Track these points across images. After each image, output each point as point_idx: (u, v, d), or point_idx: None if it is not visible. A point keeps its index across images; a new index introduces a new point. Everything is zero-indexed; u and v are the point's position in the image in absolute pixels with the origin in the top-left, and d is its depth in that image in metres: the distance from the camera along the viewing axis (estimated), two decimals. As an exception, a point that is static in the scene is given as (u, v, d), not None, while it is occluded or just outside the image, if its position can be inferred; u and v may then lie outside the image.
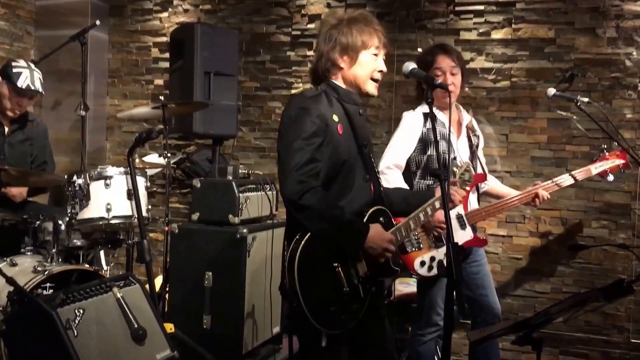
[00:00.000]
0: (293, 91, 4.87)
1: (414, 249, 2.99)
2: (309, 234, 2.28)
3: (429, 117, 2.59)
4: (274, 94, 4.94)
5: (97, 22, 4.17)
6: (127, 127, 5.36)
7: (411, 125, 3.20)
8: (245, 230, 3.52)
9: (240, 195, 3.62)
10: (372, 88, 2.44)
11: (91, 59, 4.73)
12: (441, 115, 3.21)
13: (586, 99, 3.39)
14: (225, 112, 4.51)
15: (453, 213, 3.06)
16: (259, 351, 3.74)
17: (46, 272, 3.04)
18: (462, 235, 3.12)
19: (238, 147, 5.02)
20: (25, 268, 3.12)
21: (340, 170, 2.34)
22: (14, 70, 3.72)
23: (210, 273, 3.54)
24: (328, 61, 2.41)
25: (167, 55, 5.03)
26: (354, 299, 2.32)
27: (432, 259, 3.04)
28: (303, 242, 2.27)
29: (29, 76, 3.74)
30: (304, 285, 2.23)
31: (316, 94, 2.40)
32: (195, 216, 3.69)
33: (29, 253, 3.32)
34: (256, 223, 3.74)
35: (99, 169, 3.52)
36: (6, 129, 3.87)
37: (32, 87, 3.74)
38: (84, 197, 3.42)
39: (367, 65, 2.40)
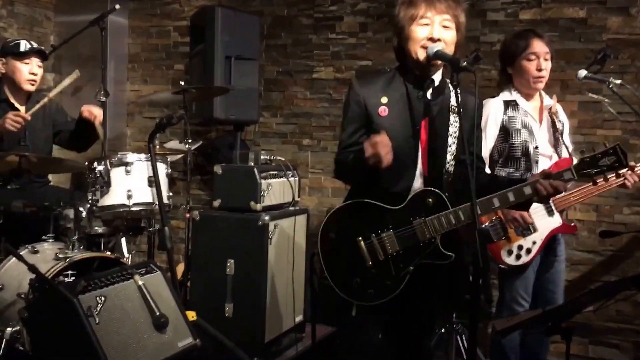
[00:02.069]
0: (315, 75, 4.80)
1: (500, 239, 2.90)
2: (336, 208, 2.46)
3: (476, 104, 2.49)
4: (296, 79, 4.87)
5: (117, 7, 4.12)
6: (147, 113, 5.33)
7: (492, 114, 3.13)
8: (267, 217, 3.47)
9: (262, 181, 3.56)
10: (421, 55, 2.34)
11: (111, 44, 4.70)
12: (523, 103, 3.15)
13: (619, 81, 3.27)
14: (246, 97, 4.46)
15: None
16: (282, 340, 3.69)
17: (67, 260, 3.03)
18: (550, 222, 3.08)
19: (259, 133, 4.98)
20: (46, 255, 3.11)
21: None
22: (11, 44, 3.77)
23: (232, 260, 3.50)
24: (396, 50, 2.45)
25: (187, 39, 4.99)
26: (382, 275, 2.35)
27: (520, 247, 3.04)
28: (328, 216, 2.47)
29: (25, 42, 3.78)
30: (326, 257, 2.45)
31: (378, 74, 2.45)
32: (216, 203, 3.64)
33: (50, 240, 3.29)
34: (278, 210, 3.68)
35: (119, 156, 3.49)
36: (22, 110, 3.83)
37: (34, 47, 3.77)
38: (105, 183, 3.38)
39: (415, 38, 2.34)
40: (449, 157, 2.40)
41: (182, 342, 2.79)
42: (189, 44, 4.88)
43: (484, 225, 2.85)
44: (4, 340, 2.79)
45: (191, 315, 2.96)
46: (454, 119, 2.40)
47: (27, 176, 3.18)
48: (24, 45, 3.74)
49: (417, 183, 2.38)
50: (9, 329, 2.84)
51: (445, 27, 2.33)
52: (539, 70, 3.10)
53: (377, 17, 4.60)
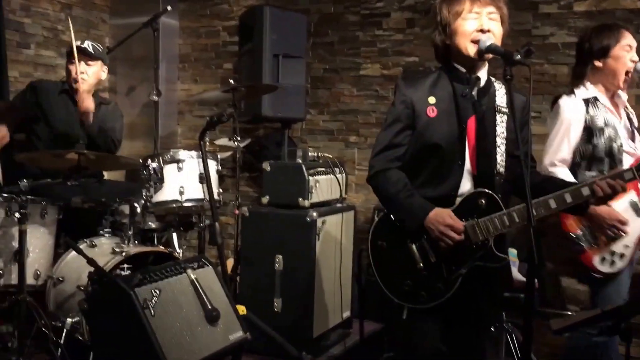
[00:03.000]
0: (361, 72, 4.82)
1: (591, 246, 2.84)
2: (384, 212, 2.46)
3: (522, 97, 2.45)
4: (342, 76, 4.90)
5: (169, 8, 4.22)
6: (197, 112, 5.44)
7: (573, 113, 2.95)
8: (315, 214, 3.52)
9: (310, 178, 3.61)
10: (471, 49, 2.31)
11: (162, 44, 4.82)
12: (603, 99, 3.00)
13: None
14: (293, 94, 4.51)
15: (626, 200, 2.89)
16: (329, 335, 3.74)
17: (124, 254, 3.12)
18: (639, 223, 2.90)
19: (306, 130, 5.02)
20: (104, 249, 3.22)
21: (433, 152, 2.34)
22: (69, 48, 3.85)
23: (280, 256, 3.56)
24: (436, 46, 2.42)
25: (236, 38, 5.08)
26: (434, 277, 2.32)
27: (613, 253, 2.88)
28: (378, 219, 2.48)
29: (80, 43, 3.83)
30: (377, 260, 2.44)
31: (424, 74, 2.43)
32: (265, 199, 3.71)
33: (107, 235, 3.41)
34: (326, 206, 3.73)
35: (171, 153, 3.57)
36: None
37: (82, 46, 3.79)
38: (158, 180, 3.48)
39: (464, 32, 2.31)
40: (499, 157, 2.35)
41: (233, 335, 2.85)
42: (238, 43, 4.96)
43: (572, 234, 2.80)
44: (65, 330, 2.90)
45: (241, 309, 3.02)
46: (500, 119, 2.37)
47: (85, 173, 3.28)
48: (68, 47, 3.84)
49: (466, 183, 2.35)
50: (69, 320, 2.95)
51: (492, 19, 2.30)
52: (633, 62, 2.96)
53: (425, 12, 4.58)
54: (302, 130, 5.01)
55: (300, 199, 3.58)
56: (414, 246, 2.35)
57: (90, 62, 3.85)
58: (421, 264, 2.34)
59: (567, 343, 3.05)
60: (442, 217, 2.27)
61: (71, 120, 3.84)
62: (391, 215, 2.41)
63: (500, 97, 2.40)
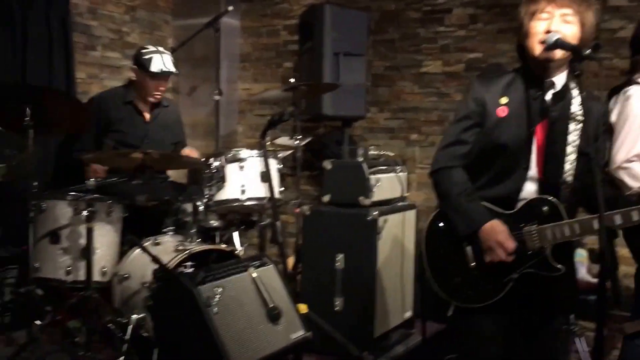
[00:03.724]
0: (423, 69, 4.75)
1: None
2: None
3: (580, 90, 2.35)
4: (403, 73, 4.85)
5: (230, 8, 4.26)
6: (258, 111, 5.48)
7: None
8: (376, 213, 3.48)
9: (371, 176, 3.58)
10: (538, 50, 2.24)
11: (224, 44, 4.85)
12: None
13: None
14: (354, 93, 4.49)
15: None
16: (391, 335, 3.70)
17: (187, 252, 3.16)
18: None
19: (367, 129, 4.99)
20: (167, 247, 3.26)
21: (499, 153, 2.29)
22: (145, 57, 3.85)
23: (341, 255, 3.54)
24: (517, 47, 2.37)
25: (296, 37, 5.08)
26: (485, 279, 2.30)
27: None
28: (435, 213, 2.47)
29: (160, 59, 3.85)
30: (430, 253, 2.45)
31: (500, 74, 2.40)
32: (326, 198, 3.69)
33: (170, 233, 3.45)
34: (387, 205, 3.69)
35: (233, 152, 3.60)
36: (147, 117, 4.05)
37: (165, 69, 3.84)
38: (220, 179, 3.51)
39: (533, 33, 2.25)
40: (567, 166, 2.28)
41: (294, 334, 2.86)
42: (298, 41, 4.97)
43: None
44: (131, 326, 2.96)
45: (302, 308, 3.02)
46: (573, 127, 2.28)
47: (149, 172, 3.33)
48: (156, 66, 3.82)
49: (530, 187, 2.30)
50: (134, 316, 3.00)
51: (566, 21, 2.22)
52: None
53: (488, 7, 4.50)
54: (363, 128, 4.98)
55: (361, 198, 3.56)
56: (468, 245, 2.34)
57: (168, 81, 4.01)
58: (473, 264, 2.33)
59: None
60: (495, 232, 2.26)
61: (137, 131, 3.95)
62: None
63: (577, 104, 2.30)
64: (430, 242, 2.46)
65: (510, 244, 2.24)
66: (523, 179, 2.30)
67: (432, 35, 4.72)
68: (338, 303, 3.54)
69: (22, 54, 4.18)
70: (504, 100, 2.32)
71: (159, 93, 3.95)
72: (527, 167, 2.29)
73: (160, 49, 3.97)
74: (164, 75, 3.89)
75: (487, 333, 2.35)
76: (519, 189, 2.30)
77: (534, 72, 2.32)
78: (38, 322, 3.08)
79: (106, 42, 4.94)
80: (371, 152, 3.82)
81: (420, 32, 4.76)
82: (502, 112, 2.31)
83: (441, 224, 2.44)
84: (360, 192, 3.56)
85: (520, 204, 2.30)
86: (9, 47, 4.10)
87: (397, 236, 3.70)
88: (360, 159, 3.70)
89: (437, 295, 2.43)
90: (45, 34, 4.31)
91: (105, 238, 3.31)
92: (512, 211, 2.30)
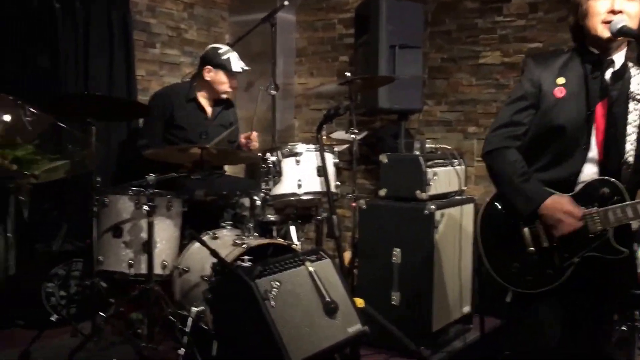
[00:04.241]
0: (481, 60, 4.67)
1: None
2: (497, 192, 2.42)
3: None
4: (461, 65, 4.77)
5: (286, 3, 4.27)
6: (314, 105, 5.49)
7: None
8: (433, 207, 3.45)
9: (428, 170, 3.54)
10: (602, 31, 2.20)
11: (280, 39, 4.88)
12: None
13: None
14: (410, 85, 4.45)
15: None
16: (449, 330, 3.66)
17: (244, 245, 3.19)
18: None
19: (423, 122, 4.93)
20: (225, 241, 3.30)
21: (556, 135, 2.25)
22: (223, 57, 4.00)
23: (398, 249, 3.52)
24: (570, 27, 2.33)
25: (352, 31, 5.07)
26: (544, 263, 2.27)
27: None
28: (489, 199, 2.45)
29: (236, 58, 4.03)
30: (486, 240, 2.42)
31: (555, 54, 2.35)
32: (382, 192, 3.67)
33: (228, 227, 3.49)
34: (445, 199, 3.64)
35: (289, 146, 3.61)
36: (209, 114, 4.13)
37: (245, 67, 4.05)
38: (277, 173, 3.53)
39: (595, 12, 2.20)
40: (628, 146, 2.23)
41: (351, 328, 2.85)
42: (354, 35, 4.95)
43: None
44: (190, 318, 3.01)
45: (359, 302, 3.02)
46: (634, 107, 2.23)
47: (207, 167, 3.38)
48: (236, 65, 4.00)
49: (590, 169, 2.26)
50: (194, 309, 3.05)
51: None
52: None
53: (549, -4, 4.39)
54: (419, 121, 4.93)
55: (418, 192, 3.52)
56: (526, 229, 2.30)
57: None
58: (532, 248, 2.29)
59: None
60: (560, 203, 2.21)
61: (198, 128, 4.03)
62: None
63: (636, 83, 2.25)
64: (486, 227, 2.44)
65: (578, 211, 2.20)
66: (582, 160, 2.25)
67: (491, 25, 4.62)
68: (395, 297, 3.52)
69: (84, 52, 4.29)
70: (560, 80, 2.27)
71: (233, 91, 4.12)
72: (587, 148, 2.24)
73: (228, 47, 4.10)
74: (241, 73, 4.06)
75: (545, 319, 2.32)
76: (578, 171, 2.26)
77: (592, 51, 2.27)
78: (102, 314, 3.17)
79: (165, 39, 5.03)
80: (428, 145, 3.77)
81: (478, 22, 4.67)
82: (559, 92, 2.26)
83: (497, 208, 2.41)
84: (417, 185, 3.53)
85: (579, 187, 2.25)
86: (72, 46, 4.22)
87: (455, 230, 3.65)
88: (417, 152, 3.66)
89: (494, 284, 2.40)
90: (107, 33, 4.41)
91: (165, 232, 3.38)
92: (571, 194, 2.25)
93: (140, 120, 4.34)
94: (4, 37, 3.87)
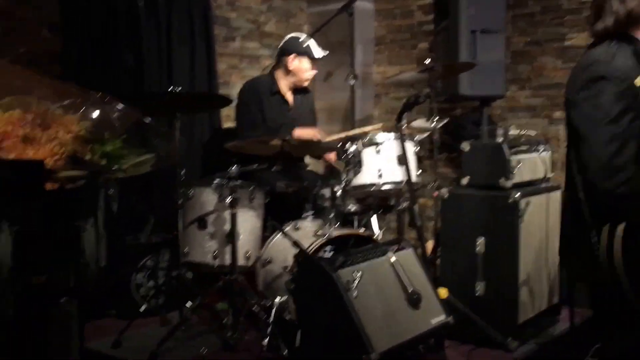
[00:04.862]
0: (567, 43, 4.50)
1: None
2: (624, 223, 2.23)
3: None
4: (545, 48, 4.61)
5: (364, -9, 4.27)
6: (393, 94, 5.44)
7: None
8: (517, 195, 3.34)
9: (512, 157, 3.44)
10: None
11: (358, 28, 4.86)
12: None
13: None
14: (491, 71, 4.35)
15: None
16: (536, 322, 3.55)
17: (326, 236, 3.21)
18: None
19: (506, 108, 4.80)
20: (307, 232, 3.33)
21: None
22: (304, 45, 4.07)
23: (482, 238, 3.44)
24: (616, 14, 2.24)
25: (430, 17, 4.99)
26: None
27: None
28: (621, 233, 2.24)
29: (315, 45, 4.10)
30: (630, 273, 2.24)
31: (614, 50, 2.23)
32: (464, 180, 3.60)
33: (309, 218, 3.52)
34: (530, 187, 3.53)
35: (369, 136, 3.60)
36: (290, 102, 4.17)
37: (324, 53, 4.11)
38: (357, 163, 3.52)
39: None
40: None
41: (434, 318, 2.83)
42: (433, 21, 4.88)
43: None
44: (274, 309, 3.05)
45: (443, 292, 2.98)
46: None
47: (288, 158, 3.42)
48: (317, 51, 4.11)
49: None
50: (277, 299, 3.10)
51: None
52: None
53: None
54: (502, 107, 4.80)
55: (502, 180, 3.43)
56: None
57: None
58: None
59: None
60: None
61: (282, 119, 4.09)
62: None
63: None
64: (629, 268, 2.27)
65: None
66: None
67: (577, 5, 4.44)
68: (479, 288, 3.44)
69: (167, 48, 4.40)
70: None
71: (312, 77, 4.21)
72: None
73: (306, 35, 4.20)
74: (320, 59, 4.14)
75: None
76: None
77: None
78: (189, 304, 3.25)
79: (244, 32, 5.10)
80: (511, 132, 3.66)
81: (563, 3, 4.50)
82: None
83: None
84: (501, 173, 3.43)
85: None
86: (155, 43, 4.33)
87: (541, 219, 3.53)
88: (500, 139, 3.56)
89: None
90: (188, 29, 4.51)
91: (248, 223, 3.43)
92: None
93: (224, 113, 4.42)
94: (89, 38, 4.01)
